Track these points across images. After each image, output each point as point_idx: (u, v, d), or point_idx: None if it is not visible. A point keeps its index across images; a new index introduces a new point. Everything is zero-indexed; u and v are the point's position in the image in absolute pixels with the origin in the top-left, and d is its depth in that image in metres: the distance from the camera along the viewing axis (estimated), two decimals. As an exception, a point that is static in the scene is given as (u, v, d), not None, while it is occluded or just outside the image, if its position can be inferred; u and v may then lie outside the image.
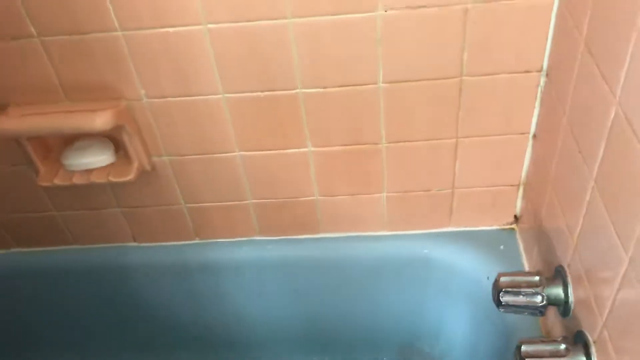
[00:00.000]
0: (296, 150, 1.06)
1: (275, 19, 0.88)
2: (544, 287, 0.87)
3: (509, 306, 0.88)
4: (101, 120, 0.94)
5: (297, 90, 0.97)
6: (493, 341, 1.13)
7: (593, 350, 0.76)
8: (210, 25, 0.89)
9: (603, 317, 0.72)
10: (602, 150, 0.71)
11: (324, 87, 0.96)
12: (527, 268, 1.11)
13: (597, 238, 0.74)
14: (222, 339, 1.43)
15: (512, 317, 1.06)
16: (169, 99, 0.99)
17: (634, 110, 0.62)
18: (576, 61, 0.79)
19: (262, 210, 1.18)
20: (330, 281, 1.29)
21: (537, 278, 0.87)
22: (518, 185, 1.10)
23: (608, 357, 0.71)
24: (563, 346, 0.79)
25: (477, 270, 1.15)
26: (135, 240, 1.26)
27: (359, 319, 1.36)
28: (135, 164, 1.04)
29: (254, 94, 0.97)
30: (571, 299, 0.84)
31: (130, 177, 1.03)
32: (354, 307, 1.33)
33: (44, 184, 1.05)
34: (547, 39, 0.89)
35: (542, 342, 0.81)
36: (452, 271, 1.20)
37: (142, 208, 1.18)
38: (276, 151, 1.06)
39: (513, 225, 1.18)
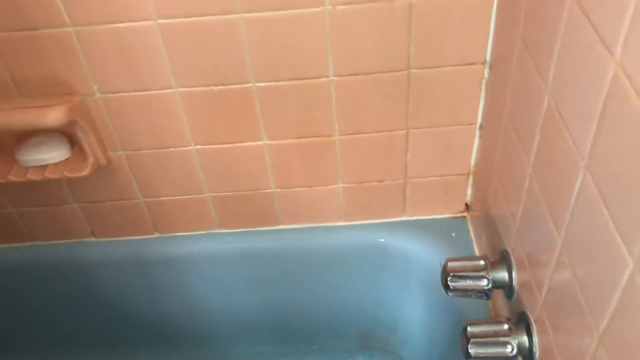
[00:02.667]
0: (251, 143, 1.07)
1: (226, 13, 0.89)
2: (489, 271, 0.90)
3: (456, 290, 0.91)
4: (53, 116, 0.94)
5: (250, 84, 0.98)
6: (447, 325, 1.17)
7: (534, 328, 0.80)
8: (160, 21, 0.90)
9: (542, 298, 0.76)
10: (537, 138, 0.74)
11: (276, 81, 0.98)
12: (477, 254, 1.15)
13: (535, 223, 0.78)
14: (185, 332, 1.43)
15: (464, 302, 1.09)
16: (123, 93, 0.99)
17: (562, 98, 0.65)
18: (514, 54, 0.82)
19: (220, 204, 1.19)
20: (290, 272, 1.31)
21: (482, 262, 0.91)
22: (467, 175, 1.14)
23: (547, 334, 0.75)
24: (506, 326, 0.83)
25: (430, 257, 1.19)
26: (94, 236, 1.26)
27: (320, 308, 1.38)
28: (91, 159, 1.04)
29: (207, 88, 0.98)
30: (515, 282, 0.88)
31: (86, 172, 1.04)
32: (314, 296, 1.35)
33: (-2, 180, 1.04)
34: (489, 32, 0.93)
35: (487, 323, 0.85)
36: (407, 259, 1.23)
37: (99, 203, 1.18)
38: (231, 145, 1.07)
39: (464, 213, 1.22)
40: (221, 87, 0.99)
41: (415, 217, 1.22)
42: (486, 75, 0.98)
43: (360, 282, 1.31)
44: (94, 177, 1.09)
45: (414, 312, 1.30)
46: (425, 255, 1.20)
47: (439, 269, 1.15)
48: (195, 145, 1.07)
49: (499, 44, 0.91)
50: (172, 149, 1.08)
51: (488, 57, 0.96)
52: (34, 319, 1.40)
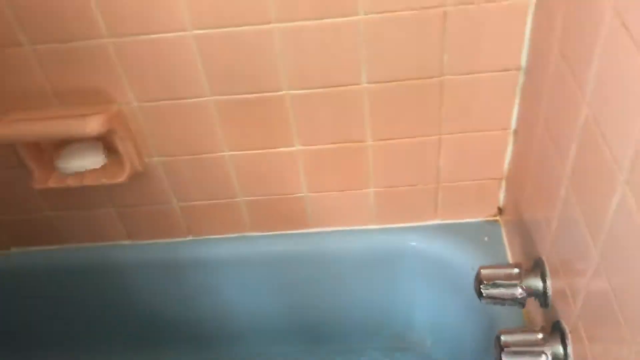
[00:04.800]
0: (284, 149, 1.08)
1: (260, 24, 0.91)
2: (523, 279, 0.90)
3: (489, 298, 0.91)
4: (92, 126, 0.96)
5: (284, 92, 0.99)
6: (480, 330, 1.16)
7: (569, 339, 0.80)
8: (196, 32, 0.91)
9: (577, 308, 0.75)
10: (573, 148, 0.74)
11: (310, 88, 0.98)
12: (510, 259, 1.14)
13: (571, 232, 0.77)
14: (216, 333, 1.45)
15: (496, 308, 1.09)
16: (159, 102, 1.01)
17: (601, 112, 0.64)
18: (550, 61, 0.81)
19: (252, 207, 1.20)
20: (321, 275, 1.31)
21: (516, 270, 0.90)
22: (501, 179, 1.13)
23: (582, 345, 0.75)
24: (540, 335, 0.82)
25: (462, 261, 1.18)
26: (129, 238, 1.28)
27: (350, 311, 1.38)
28: (127, 166, 1.06)
29: (242, 96, 1.00)
30: (549, 290, 0.88)
31: (123, 178, 1.06)
32: (345, 299, 1.36)
33: (39, 186, 1.07)
34: (524, 37, 0.92)
35: (521, 331, 0.85)
36: (439, 263, 1.23)
37: (135, 207, 1.21)
38: (264, 150, 1.08)
39: (497, 217, 1.21)
40: (255, 95, 1.00)
41: (447, 221, 1.22)
42: (521, 80, 0.97)
43: (391, 286, 1.31)
44: (130, 182, 1.11)
45: (446, 315, 1.29)
46: (457, 260, 1.19)
47: (471, 274, 1.15)
48: (229, 151, 1.08)
49: (535, 50, 0.91)
50: (206, 155, 1.09)
51: (524, 63, 0.95)
52: (70, 320, 1.43)
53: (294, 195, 1.18)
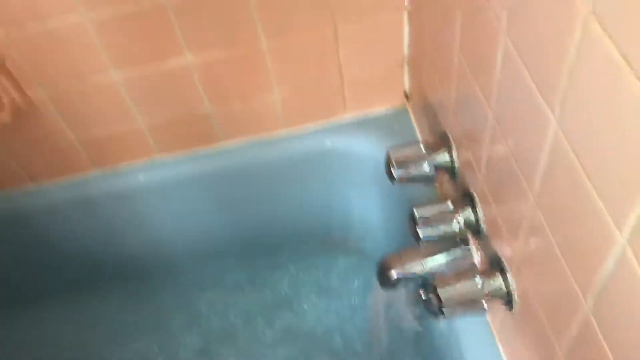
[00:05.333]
0: (175, 60, 1.02)
1: None
2: (431, 155, 0.91)
3: (401, 178, 0.92)
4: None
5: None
6: (401, 214, 1.19)
7: (478, 203, 0.83)
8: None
9: (481, 172, 0.78)
10: (460, 14, 0.73)
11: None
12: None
13: (468, 100, 0.78)
14: (148, 264, 1.44)
15: (414, 190, 1.11)
16: (27, 26, 0.92)
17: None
18: None
19: (156, 131, 1.15)
20: (240, 189, 1.30)
21: (423, 147, 0.92)
22: (402, 64, 1.12)
23: (490, 206, 0.77)
24: (450, 204, 0.85)
25: (376, 152, 1.19)
26: (33, 181, 1.21)
27: (277, 218, 1.39)
28: (7, 103, 0.98)
29: (116, 5, 0.92)
30: (456, 162, 0.90)
31: (6, 118, 0.98)
32: (270, 208, 1.36)
33: None
34: None
35: (433, 204, 0.87)
36: (354, 157, 1.23)
37: (31, 148, 1.13)
38: (154, 65, 1.02)
39: (405, 103, 1.21)
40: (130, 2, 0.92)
41: (357, 113, 1.21)
42: (405, -46, 0.94)
43: (313, 187, 1.31)
44: (18, 122, 1.04)
45: (369, 207, 1.32)
46: (372, 151, 1.20)
47: (386, 163, 1.17)
48: (116, 70, 1.01)
49: None
50: (93, 78, 1.02)
51: None
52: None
53: (197, 111, 1.13)
